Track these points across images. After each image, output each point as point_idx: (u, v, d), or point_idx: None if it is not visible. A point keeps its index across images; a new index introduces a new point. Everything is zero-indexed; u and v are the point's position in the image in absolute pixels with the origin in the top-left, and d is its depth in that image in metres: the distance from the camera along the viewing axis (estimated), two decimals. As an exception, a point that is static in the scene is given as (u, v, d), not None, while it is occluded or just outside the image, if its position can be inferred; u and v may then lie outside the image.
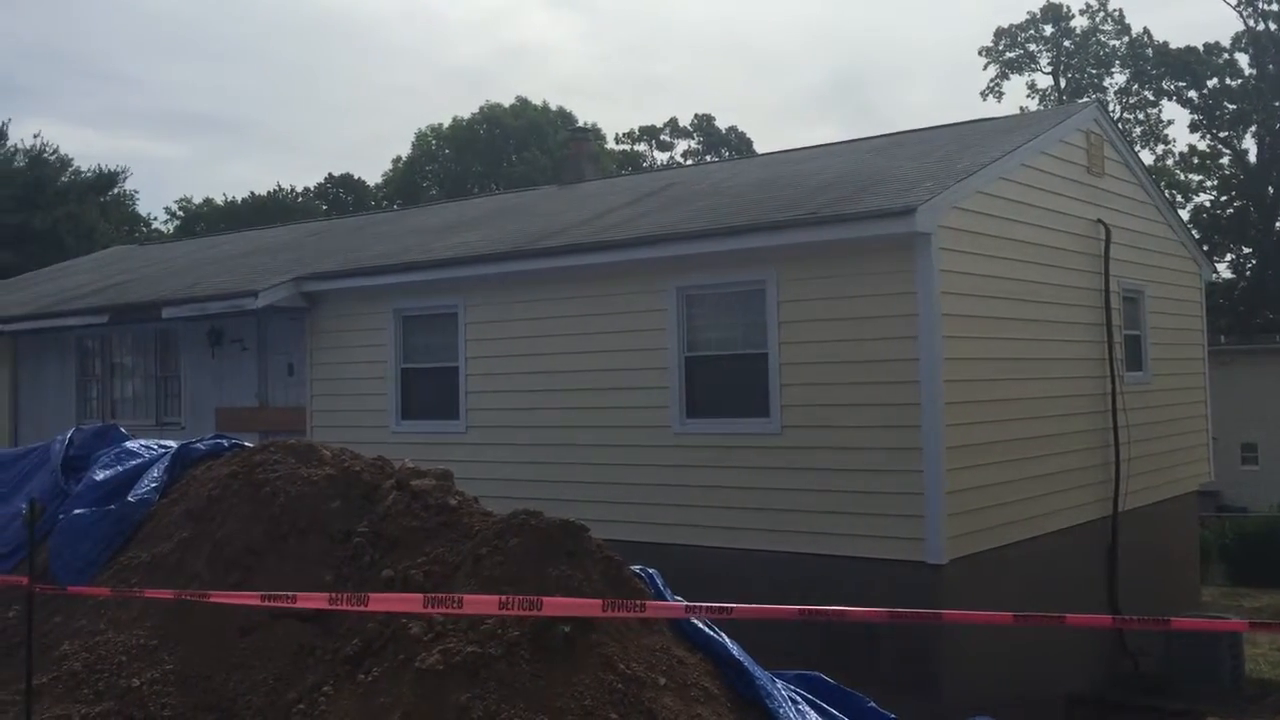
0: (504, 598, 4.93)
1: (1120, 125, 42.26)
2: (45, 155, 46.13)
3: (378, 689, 5.20)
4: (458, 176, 58.00)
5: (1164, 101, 50.92)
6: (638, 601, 5.25)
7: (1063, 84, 52.84)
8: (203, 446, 7.52)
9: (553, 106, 61.47)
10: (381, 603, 5.33)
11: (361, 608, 5.32)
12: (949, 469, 10.25)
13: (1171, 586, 14.93)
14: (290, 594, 5.43)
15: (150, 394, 17.56)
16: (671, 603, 5.76)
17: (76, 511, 6.95)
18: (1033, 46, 53.56)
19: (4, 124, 45.95)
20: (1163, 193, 16.76)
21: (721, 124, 62.80)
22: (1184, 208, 46.22)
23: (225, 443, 7.57)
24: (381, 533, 6.17)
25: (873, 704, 6.26)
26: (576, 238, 13.13)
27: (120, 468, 7.39)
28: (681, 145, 63.36)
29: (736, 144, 61.29)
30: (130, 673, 5.80)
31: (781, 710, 5.49)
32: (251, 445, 7.44)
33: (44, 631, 6.20)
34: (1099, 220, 13.42)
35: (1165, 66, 49.61)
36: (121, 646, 5.96)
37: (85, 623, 6.22)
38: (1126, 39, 51.41)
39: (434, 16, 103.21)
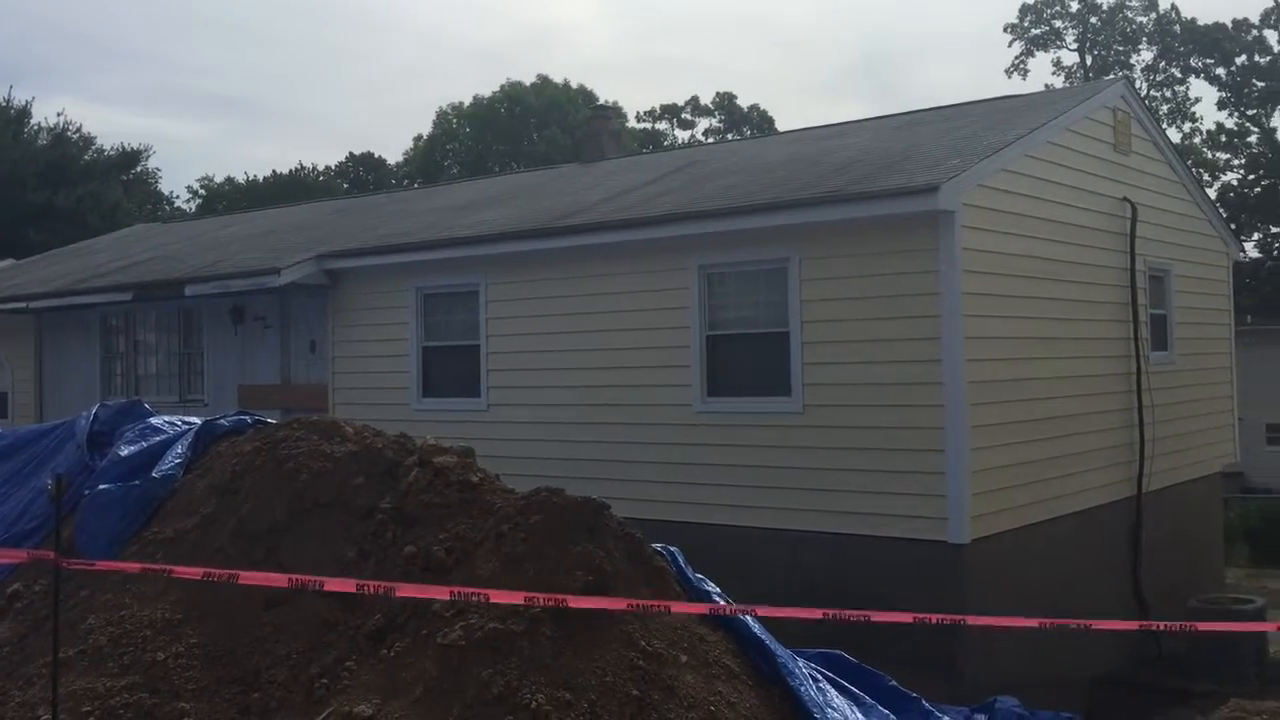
0: (529, 594, 4.94)
1: (1147, 103, 41.76)
2: (68, 134, 46.30)
3: (400, 664, 5.23)
4: (479, 155, 57.91)
5: (1191, 79, 50.35)
6: (663, 603, 5.22)
7: (1089, 61, 52.28)
8: (226, 423, 7.55)
9: (574, 85, 61.27)
10: (409, 590, 5.34)
11: (389, 594, 5.33)
12: (972, 448, 10.20)
13: (1195, 567, 14.84)
14: (319, 579, 5.45)
15: (174, 371, 17.66)
16: (695, 603, 5.71)
17: (102, 487, 6.99)
18: (1058, 23, 53.00)
19: (28, 102, 45.95)
20: (1190, 171, 16.56)
21: (744, 102, 62.37)
22: (1211, 186, 45.65)
23: (248, 419, 7.60)
24: (404, 509, 6.19)
25: (894, 682, 6.27)
26: (598, 216, 13.09)
27: (145, 444, 7.43)
28: (703, 124, 62.99)
29: (759, 122, 60.83)
30: (155, 646, 5.85)
31: (803, 688, 5.49)
32: (274, 422, 7.46)
33: (70, 606, 6.25)
34: (1125, 198, 13.29)
35: (1193, 43, 49.03)
36: (146, 621, 6.01)
37: (111, 597, 6.27)
38: (1154, 15, 50.79)
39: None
